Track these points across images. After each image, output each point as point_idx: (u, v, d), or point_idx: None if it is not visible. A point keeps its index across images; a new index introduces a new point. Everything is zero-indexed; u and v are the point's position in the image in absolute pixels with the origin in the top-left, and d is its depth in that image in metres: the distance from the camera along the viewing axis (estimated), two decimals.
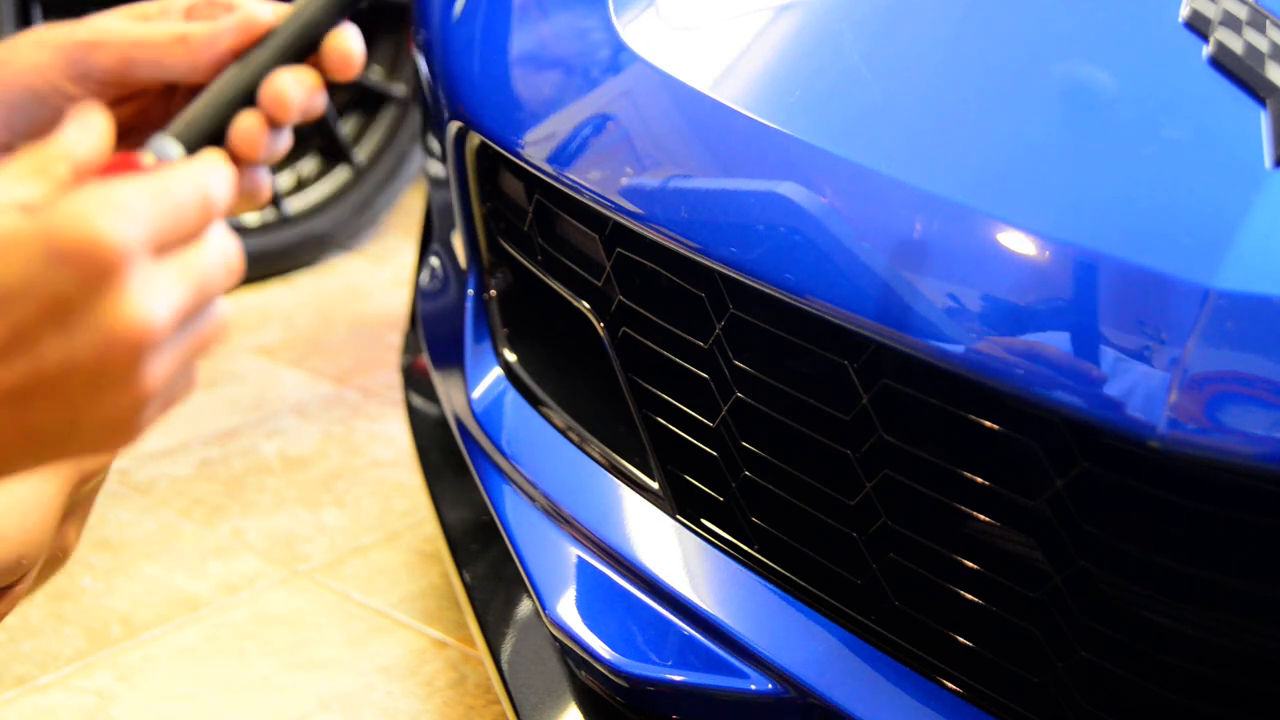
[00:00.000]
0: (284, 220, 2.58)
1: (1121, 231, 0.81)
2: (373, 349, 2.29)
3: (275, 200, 2.57)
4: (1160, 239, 0.80)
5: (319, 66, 0.81)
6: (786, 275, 0.94)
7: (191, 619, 1.57)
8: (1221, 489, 0.81)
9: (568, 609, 1.12)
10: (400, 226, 2.80)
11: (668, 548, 1.12)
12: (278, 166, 2.62)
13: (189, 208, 0.67)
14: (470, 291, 1.37)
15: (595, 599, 1.13)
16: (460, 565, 1.32)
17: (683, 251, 1.03)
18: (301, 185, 2.64)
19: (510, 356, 1.34)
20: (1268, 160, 0.80)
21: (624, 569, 1.13)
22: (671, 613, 1.09)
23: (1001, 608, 0.93)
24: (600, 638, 1.08)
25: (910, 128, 0.94)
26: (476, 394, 1.32)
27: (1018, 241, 0.84)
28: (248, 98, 0.79)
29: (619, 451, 1.20)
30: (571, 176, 1.12)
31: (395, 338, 2.30)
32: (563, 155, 1.13)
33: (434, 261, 1.50)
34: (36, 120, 0.83)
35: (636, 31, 1.12)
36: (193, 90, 0.86)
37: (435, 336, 1.45)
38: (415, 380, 1.61)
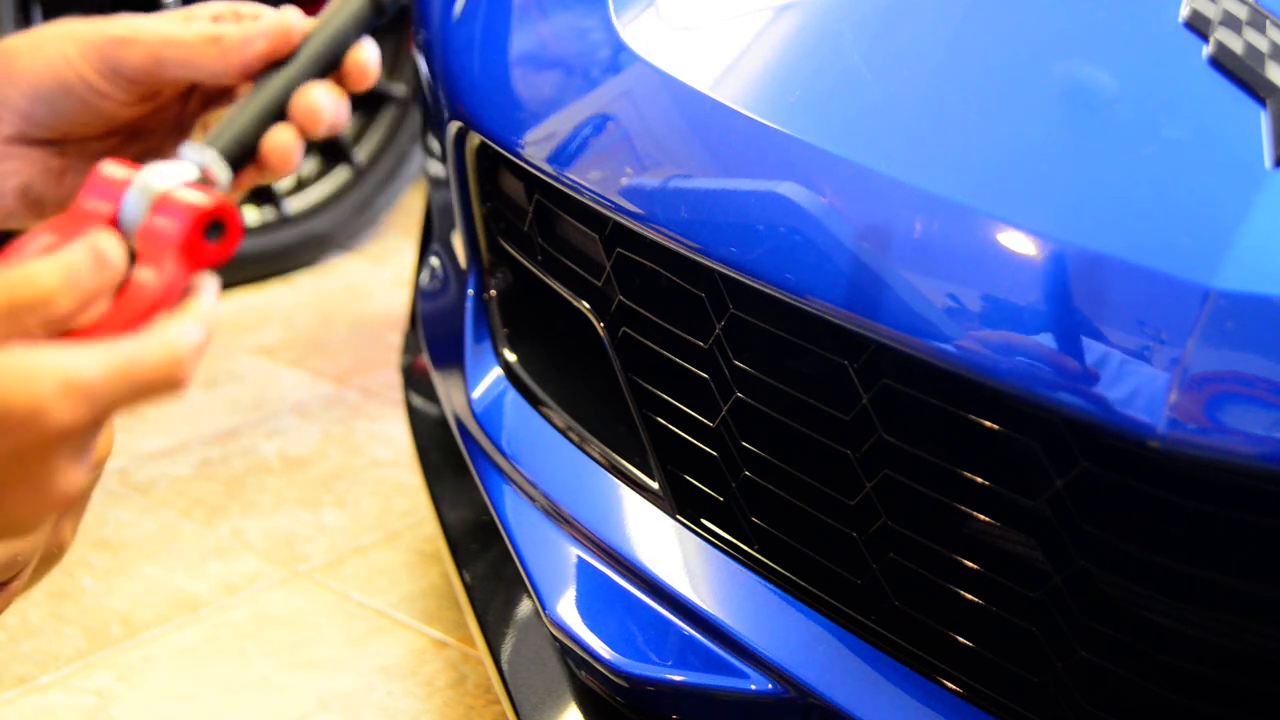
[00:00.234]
0: (284, 220, 2.58)
1: (1121, 231, 0.81)
2: (373, 349, 2.29)
3: (275, 200, 2.57)
4: (1160, 239, 0.80)
5: (338, 79, 0.82)
6: (786, 275, 0.94)
7: (191, 619, 1.57)
8: (1221, 489, 0.81)
9: (568, 609, 1.12)
10: (400, 226, 2.81)
11: (668, 548, 1.12)
12: None
13: (152, 389, 0.67)
14: (470, 291, 1.37)
15: (595, 599, 1.13)
16: (460, 565, 1.32)
17: (683, 251, 1.03)
18: (301, 185, 2.64)
19: (510, 356, 1.34)
20: (1268, 160, 0.80)
21: (624, 569, 1.13)
22: (671, 613, 1.09)
23: (1001, 608, 0.93)
24: (600, 638, 1.08)
25: (910, 128, 0.94)
26: (476, 394, 1.32)
27: (1018, 241, 0.84)
28: (282, 110, 0.80)
29: (619, 451, 1.20)
30: (571, 176, 1.12)
31: (395, 338, 2.30)
32: (563, 155, 1.13)
33: (434, 261, 1.50)
34: (61, 113, 0.82)
35: (636, 31, 1.12)
36: (212, 94, 0.86)
37: (435, 336, 1.45)
38: (415, 380, 1.61)
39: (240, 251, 2.59)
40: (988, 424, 0.90)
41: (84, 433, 0.65)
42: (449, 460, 1.45)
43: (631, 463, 1.18)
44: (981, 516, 0.93)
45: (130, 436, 1.98)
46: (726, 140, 1.01)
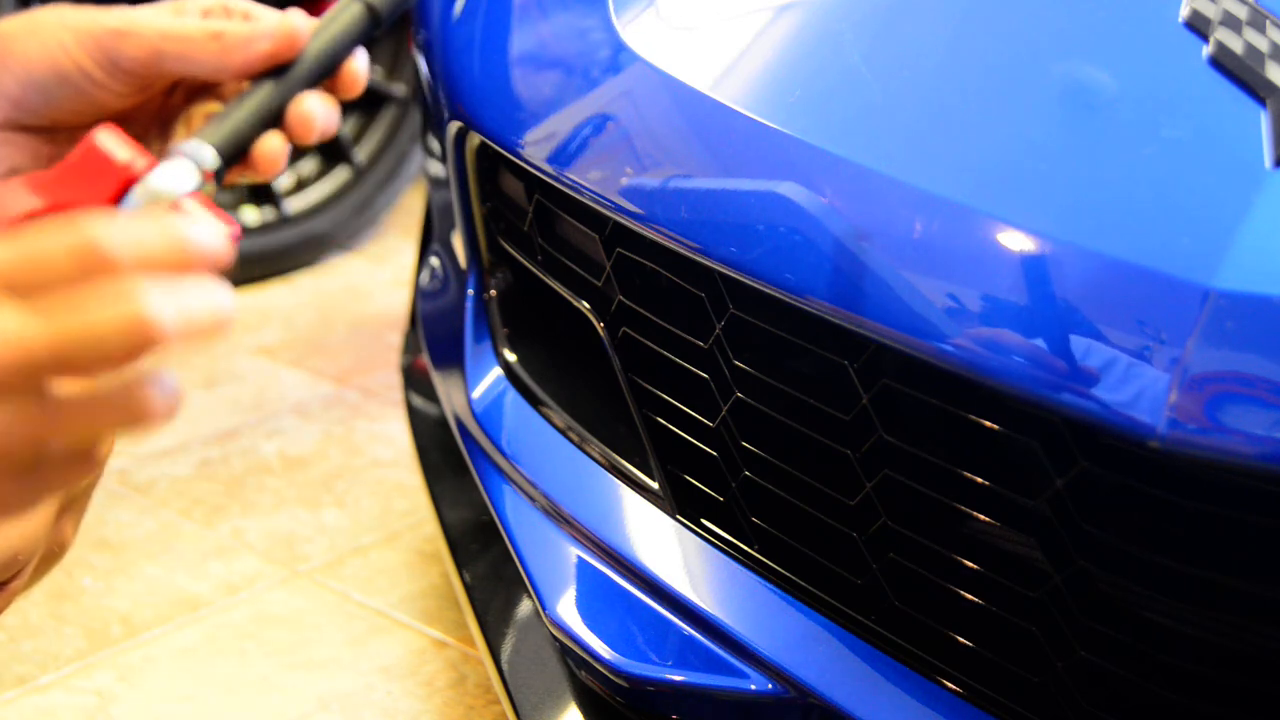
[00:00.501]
0: (284, 220, 2.58)
1: (1121, 231, 0.81)
2: (373, 349, 2.29)
3: (275, 200, 2.57)
4: (1160, 239, 0.80)
5: (331, 86, 0.82)
6: (786, 275, 0.94)
7: (191, 619, 1.57)
8: (1221, 489, 0.81)
9: (568, 609, 1.12)
10: (400, 226, 2.81)
11: (668, 548, 1.12)
12: None
13: (52, 256, 0.62)
14: (470, 291, 1.37)
15: (595, 599, 1.13)
16: (460, 565, 1.32)
17: (683, 251, 1.03)
18: (301, 185, 2.64)
19: (510, 356, 1.34)
20: (1268, 160, 0.80)
21: (624, 569, 1.13)
22: (671, 613, 1.09)
23: (1001, 608, 0.93)
24: (600, 638, 1.08)
25: (910, 128, 0.94)
26: (476, 394, 1.32)
27: (1018, 241, 0.84)
28: (279, 114, 0.80)
29: (619, 451, 1.20)
30: (571, 176, 1.12)
31: (395, 338, 2.30)
32: (563, 155, 1.13)
33: (434, 261, 1.50)
34: (54, 101, 0.82)
35: (636, 31, 1.12)
36: (198, 88, 0.86)
37: (435, 336, 1.45)
38: (415, 380, 1.61)
39: (240, 251, 2.59)
40: (988, 424, 0.90)
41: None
42: (449, 460, 1.45)
43: (631, 463, 1.18)
44: (981, 516, 0.93)
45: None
46: (726, 140, 1.01)
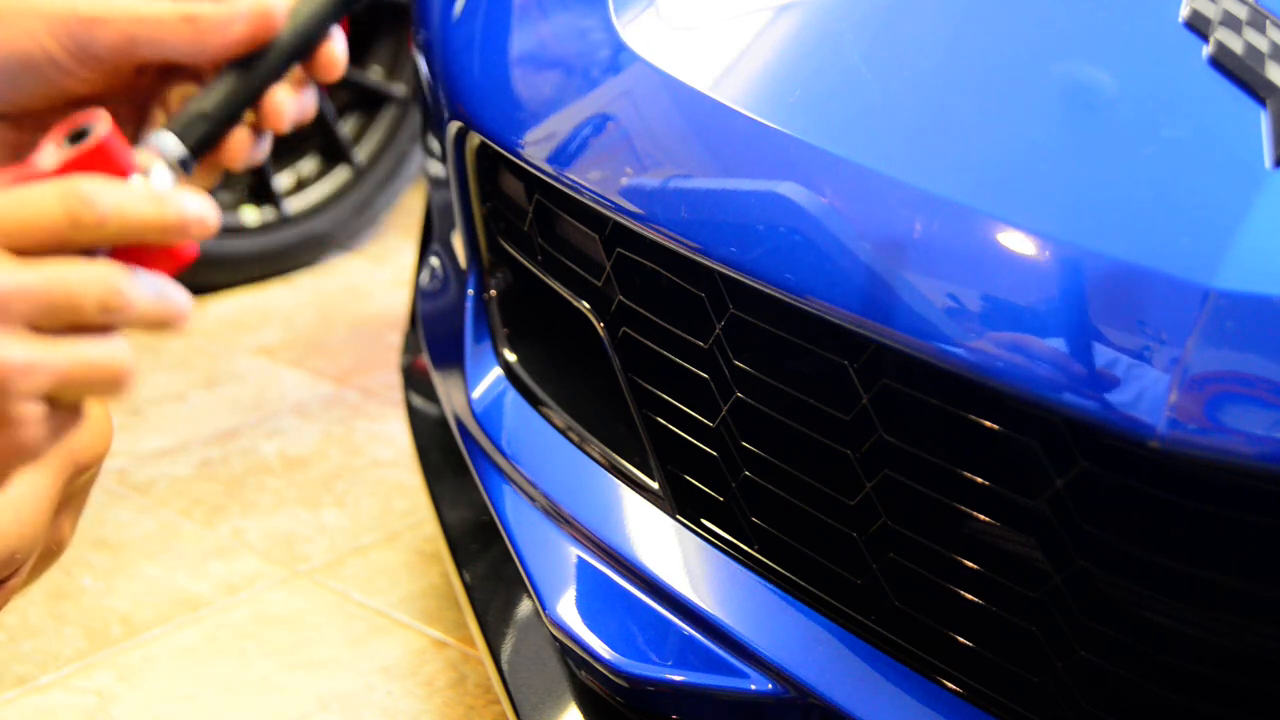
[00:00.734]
0: (284, 220, 2.58)
1: (1122, 231, 0.81)
2: (373, 349, 2.29)
3: (275, 200, 2.58)
4: (1160, 239, 0.80)
5: (309, 69, 0.81)
6: (786, 275, 0.94)
7: (191, 619, 1.57)
8: (1221, 489, 0.81)
9: (568, 609, 1.12)
10: (400, 226, 2.81)
11: (668, 548, 1.12)
12: (278, 166, 2.62)
13: (44, 206, 0.65)
14: (470, 291, 1.37)
15: (595, 599, 1.13)
16: (460, 565, 1.32)
17: (683, 251, 1.03)
18: (301, 185, 2.64)
19: (510, 356, 1.34)
20: (1268, 160, 0.80)
21: (624, 569, 1.13)
22: (671, 613, 1.09)
23: (1001, 608, 0.93)
24: (600, 638, 1.08)
25: (910, 128, 0.94)
26: (476, 394, 1.32)
27: (1018, 241, 0.84)
28: (254, 104, 0.79)
29: (619, 451, 1.20)
30: (571, 176, 1.12)
31: (395, 338, 2.30)
32: (563, 155, 1.13)
33: (434, 261, 1.50)
34: (22, 89, 0.80)
35: (636, 31, 1.12)
36: (171, 69, 0.84)
37: (435, 336, 1.45)
38: (415, 380, 1.61)
39: (240, 251, 2.59)
40: (988, 424, 0.90)
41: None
42: (449, 460, 1.45)
43: (631, 463, 1.18)
44: (981, 516, 0.93)
45: (130, 436, 1.98)
46: (726, 140, 1.01)
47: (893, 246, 0.89)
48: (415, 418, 1.56)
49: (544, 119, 1.17)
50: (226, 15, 0.78)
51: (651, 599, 1.10)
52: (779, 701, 1.01)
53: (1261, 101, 0.83)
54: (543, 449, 1.25)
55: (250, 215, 2.55)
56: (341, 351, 2.28)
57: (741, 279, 0.98)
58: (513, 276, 1.36)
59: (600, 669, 1.07)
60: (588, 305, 1.19)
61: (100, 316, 0.66)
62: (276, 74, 0.79)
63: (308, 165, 2.66)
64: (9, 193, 0.65)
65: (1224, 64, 0.85)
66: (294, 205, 2.60)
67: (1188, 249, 0.78)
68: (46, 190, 0.66)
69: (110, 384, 0.68)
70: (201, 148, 0.76)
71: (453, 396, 1.38)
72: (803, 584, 1.04)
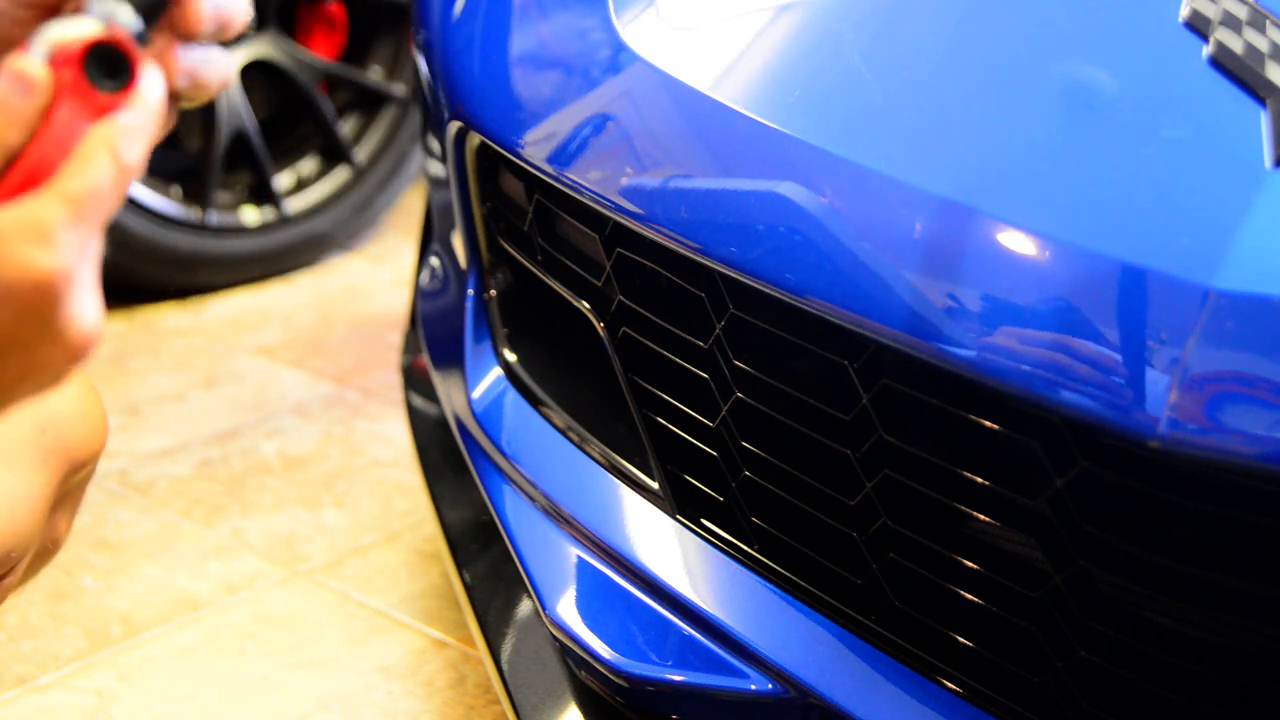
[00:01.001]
0: (284, 220, 2.58)
1: (1121, 231, 0.81)
2: (373, 349, 2.29)
3: (275, 200, 2.58)
4: (1160, 239, 0.80)
5: None
6: (786, 275, 0.94)
7: (191, 619, 1.57)
8: (1221, 489, 0.81)
9: (568, 609, 1.12)
10: (400, 226, 2.81)
11: (668, 548, 1.12)
12: (278, 166, 2.62)
13: (109, 197, 0.65)
14: (470, 291, 1.37)
15: (595, 599, 1.13)
16: (460, 565, 1.32)
17: (683, 251, 1.03)
18: (301, 185, 2.64)
19: (510, 356, 1.34)
20: (1268, 160, 0.80)
21: (624, 569, 1.13)
22: (671, 613, 1.09)
23: (1001, 608, 0.93)
24: (600, 638, 1.08)
25: (910, 128, 0.94)
26: (476, 394, 1.32)
27: (1018, 241, 0.84)
28: None
29: (619, 451, 1.20)
30: (571, 176, 1.12)
31: (395, 338, 2.30)
32: (563, 155, 1.13)
33: (434, 261, 1.50)
34: None
35: (636, 31, 1.12)
36: None
37: (435, 336, 1.45)
38: (415, 380, 1.61)
39: (240, 251, 2.59)
40: (988, 424, 0.90)
41: (77, 279, 0.64)
42: (449, 460, 1.45)
43: (631, 463, 1.18)
44: (981, 516, 0.93)
45: (130, 436, 1.98)
46: (726, 140, 1.01)
47: (893, 246, 0.89)
48: (415, 418, 1.56)
49: (544, 119, 1.17)
50: None
51: (651, 599, 1.10)
52: (779, 701, 1.01)
53: (1261, 101, 0.83)
54: (543, 449, 1.25)
55: (250, 215, 2.55)
56: (341, 351, 2.28)
57: (741, 279, 0.98)
58: (513, 276, 1.36)
59: (600, 669, 1.07)
60: (588, 305, 1.19)
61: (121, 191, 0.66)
62: None
63: (308, 165, 2.66)
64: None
65: (1224, 64, 0.85)
66: (294, 205, 2.60)
67: (1188, 249, 0.78)
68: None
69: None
70: (150, 7, 0.71)
71: (453, 396, 1.38)
72: (803, 584, 1.04)
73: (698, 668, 1.05)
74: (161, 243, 2.42)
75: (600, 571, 1.15)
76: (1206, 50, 0.86)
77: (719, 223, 0.99)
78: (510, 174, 1.30)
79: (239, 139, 2.53)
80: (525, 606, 1.22)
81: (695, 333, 1.08)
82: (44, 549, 0.97)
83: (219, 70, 0.73)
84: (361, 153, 2.68)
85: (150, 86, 0.69)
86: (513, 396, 1.31)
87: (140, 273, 2.42)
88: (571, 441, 1.24)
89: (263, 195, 2.58)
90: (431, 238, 1.54)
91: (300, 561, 1.68)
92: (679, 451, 1.14)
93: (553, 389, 1.30)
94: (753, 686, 1.02)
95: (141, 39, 0.71)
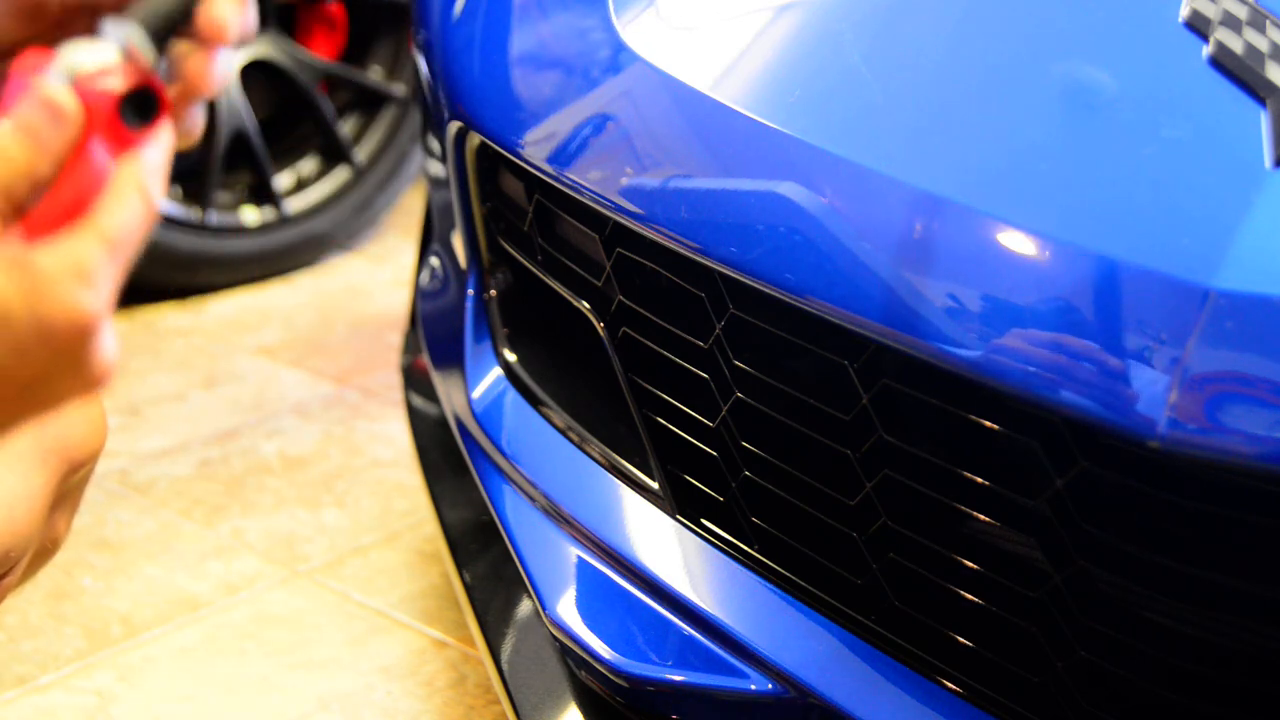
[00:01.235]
0: (284, 220, 2.58)
1: (1121, 231, 0.81)
2: (373, 349, 2.29)
3: (275, 200, 2.58)
4: (1160, 239, 0.80)
5: None
6: (786, 275, 0.94)
7: (191, 619, 1.57)
8: (1221, 489, 0.81)
9: (568, 609, 1.12)
10: (400, 226, 2.81)
11: (668, 548, 1.12)
12: (278, 166, 2.62)
13: (140, 235, 0.67)
14: (470, 291, 1.37)
15: (595, 599, 1.13)
16: (460, 565, 1.32)
17: (683, 251, 1.03)
18: (301, 185, 2.64)
19: (510, 356, 1.34)
20: (1268, 160, 0.80)
21: (624, 569, 1.13)
22: (671, 613, 1.09)
23: (1001, 608, 0.93)
24: (600, 638, 1.08)
25: (910, 128, 0.94)
26: (476, 394, 1.32)
27: (1018, 241, 0.84)
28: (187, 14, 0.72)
29: (619, 451, 1.20)
30: (571, 176, 1.12)
31: (395, 338, 2.30)
32: (563, 155, 1.13)
33: (434, 261, 1.50)
34: None
35: (636, 31, 1.12)
36: (94, 9, 0.80)
37: (435, 336, 1.45)
38: (415, 380, 1.61)
39: (240, 251, 2.59)
40: (988, 424, 0.90)
41: (106, 319, 0.66)
42: (449, 460, 1.45)
43: (631, 463, 1.18)
44: (981, 516, 0.93)
45: (130, 436, 1.98)
46: (726, 140, 1.01)
47: (893, 246, 0.89)
48: (415, 418, 1.56)
49: (544, 119, 1.17)
50: None
51: (651, 599, 1.10)
52: (779, 701, 1.01)
53: (1261, 101, 0.83)
54: (543, 449, 1.25)
55: (250, 215, 2.55)
56: (341, 351, 2.28)
57: (741, 279, 0.98)
58: (513, 276, 1.36)
59: (600, 669, 1.07)
60: (588, 305, 1.19)
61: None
62: None
63: (308, 165, 2.66)
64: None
65: (1224, 64, 0.85)
66: (294, 205, 2.60)
67: (1188, 249, 0.78)
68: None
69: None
70: (163, 31, 0.71)
71: (453, 396, 1.38)
72: (803, 584, 1.04)
73: (698, 668, 1.05)
74: (161, 242, 2.42)
75: (600, 571, 1.14)
76: (1206, 50, 0.86)
77: (719, 223, 0.99)
78: (510, 174, 1.30)
79: (239, 139, 2.53)
80: (525, 606, 1.22)
81: (695, 333, 1.08)
82: (43, 548, 0.97)
83: (222, 73, 0.73)
84: (361, 153, 2.68)
85: (169, 126, 0.70)
86: (513, 396, 1.31)
87: (140, 273, 2.42)
88: (571, 441, 1.24)
89: (263, 195, 2.58)
90: (431, 238, 1.54)
91: (300, 561, 1.68)
92: (679, 451, 1.14)
93: (553, 389, 1.30)
94: (753, 686, 1.02)
95: (157, 68, 0.71)
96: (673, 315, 1.11)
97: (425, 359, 1.47)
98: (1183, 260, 0.78)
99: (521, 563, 1.19)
